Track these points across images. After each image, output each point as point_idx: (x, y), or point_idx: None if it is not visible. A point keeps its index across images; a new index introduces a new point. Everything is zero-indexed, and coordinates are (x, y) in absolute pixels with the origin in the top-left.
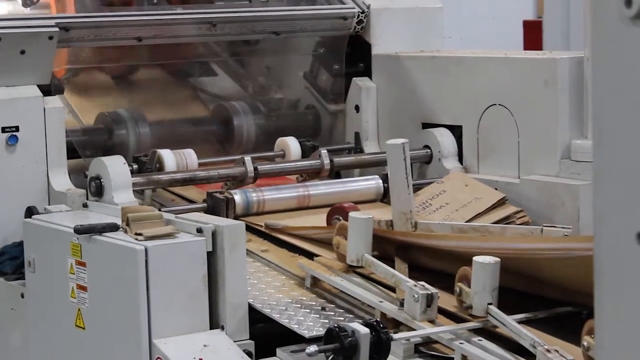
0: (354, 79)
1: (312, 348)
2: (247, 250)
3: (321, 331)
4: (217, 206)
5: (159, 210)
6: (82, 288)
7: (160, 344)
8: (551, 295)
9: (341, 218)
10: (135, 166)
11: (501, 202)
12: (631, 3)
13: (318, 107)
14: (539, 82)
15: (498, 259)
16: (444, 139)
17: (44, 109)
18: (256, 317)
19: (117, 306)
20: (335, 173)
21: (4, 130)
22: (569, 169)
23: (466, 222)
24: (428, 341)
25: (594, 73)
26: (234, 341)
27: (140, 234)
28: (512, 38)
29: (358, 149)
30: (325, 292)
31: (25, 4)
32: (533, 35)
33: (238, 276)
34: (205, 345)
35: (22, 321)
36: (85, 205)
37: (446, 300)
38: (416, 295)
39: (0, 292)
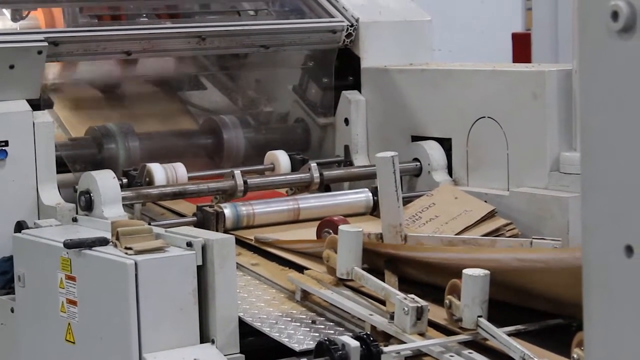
0: (343, 92)
1: None
2: (237, 264)
3: (311, 344)
4: (207, 220)
5: (149, 224)
6: (72, 302)
7: (150, 358)
8: (541, 307)
9: (331, 231)
10: (124, 180)
11: (491, 215)
12: (617, 17)
13: (307, 121)
14: (528, 95)
15: (488, 272)
16: (434, 152)
17: (34, 124)
18: (246, 331)
19: (107, 320)
20: (325, 186)
21: None
22: (558, 181)
23: (456, 234)
24: (418, 354)
25: (581, 86)
26: (225, 355)
27: (130, 248)
28: (501, 51)
29: (348, 162)
30: (316, 306)
31: (14, 19)
32: (522, 47)
33: (228, 290)
34: (195, 359)
35: (12, 336)
36: (75, 220)
37: (436, 313)
38: (406, 308)
39: None
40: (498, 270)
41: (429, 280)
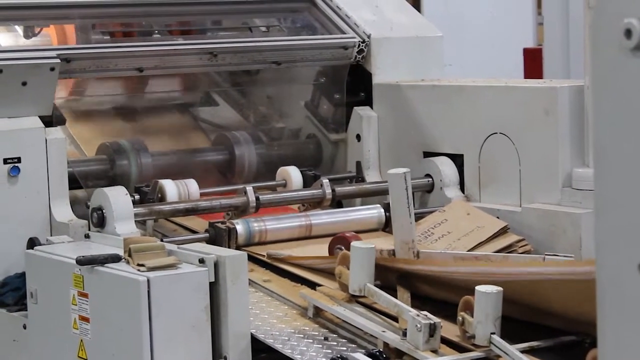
0: (355, 108)
1: None
2: (249, 280)
3: None
4: (219, 236)
5: (161, 240)
6: (85, 319)
7: None
8: (554, 324)
9: (343, 248)
10: (137, 196)
11: (503, 231)
12: (631, 34)
13: (319, 137)
14: (540, 111)
15: (500, 288)
16: (446, 168)
17: (46, 140)
18: (259, 348)
19: (119, 337)
20: (337, 202)
21: (5, 161)
22: (570, 197)
23: (468, 251)
24: None
25: (594, 102)
26: None
27: (142, 265)
28: (512, 66)
29: (360, 178)
30: (328, 322)
31: (26, 35)
32: (533, 63)
33: (240, 306)
34: None
35: (24, 352)
36: (87, 236)
37: (449, 330)
38: (419, 325)
39: (3, 324)
40: (511, 285)
41: (441, 296)
